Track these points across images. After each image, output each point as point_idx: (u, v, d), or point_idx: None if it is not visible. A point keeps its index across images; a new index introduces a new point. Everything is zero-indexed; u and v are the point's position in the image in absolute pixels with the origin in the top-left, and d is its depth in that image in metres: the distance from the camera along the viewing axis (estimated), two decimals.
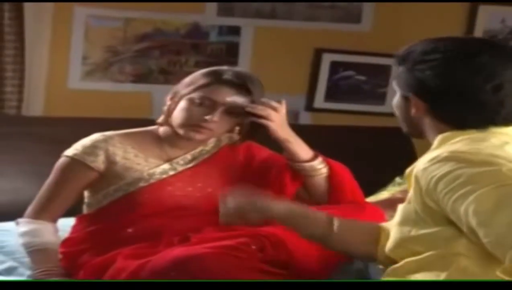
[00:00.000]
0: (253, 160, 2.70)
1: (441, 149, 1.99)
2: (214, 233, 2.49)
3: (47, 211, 2.60)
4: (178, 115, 2.56)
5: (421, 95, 2.05)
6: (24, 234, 2.57)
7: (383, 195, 3.44)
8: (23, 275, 2.60)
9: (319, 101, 4.21)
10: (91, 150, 2.58)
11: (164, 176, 2.60)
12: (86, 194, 2.65)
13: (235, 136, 2.68)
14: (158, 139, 2.65)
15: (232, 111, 2.54)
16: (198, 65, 3.76)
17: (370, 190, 3.29)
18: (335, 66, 4.17)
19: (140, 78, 4.00)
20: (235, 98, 2.53)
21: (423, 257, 1.98)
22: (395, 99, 2.15)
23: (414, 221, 2.01)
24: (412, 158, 2.33)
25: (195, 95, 2.54)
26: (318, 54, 4.14)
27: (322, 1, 4.09)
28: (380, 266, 2.23)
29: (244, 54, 4.06)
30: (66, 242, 2.62)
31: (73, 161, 2.58)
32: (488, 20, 4.21)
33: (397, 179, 3.50)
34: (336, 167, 2.65)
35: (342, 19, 4.13)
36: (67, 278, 2.50)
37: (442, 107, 2.04)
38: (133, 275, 2.34)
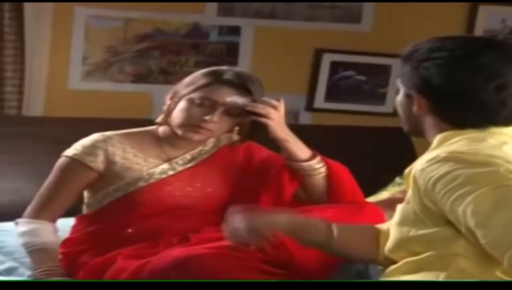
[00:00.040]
0: (252, 160, 2.70)
1: (439, 149, 1.99)
2: (214, 233, 2.49)
3: (47, 211, 2.60)
4: (177, 115, 2.56)
5: (424, 93, 2.05)
6: (23, 234, 2.57)
7: (383, 195, 3.44)
8: (23, 275, 2.60)
9: (319, 101, 4.21)
10: (91, 150, 2.58)
11: (164, 176, 2.60)
12: (85, 194, 2.65)
13: (235, 136, 2.68)
14: (157, 139, 2.65)
15: (232, 111, 2.54)
16: (198, 65, 3.76)
17: (370, 190, 3.29)
18: (335, 66, 4.17)
19: (140, 78, 4.00)
20: (235, 99, 2.53)
21: (422, 258, 1.98)
22: (398, 97, 2.15)
23: (413, 221, 2.01)
24: (412, 157, 2.33)
25: (195, 95, 2.54)
26: (318, 54, 4.13)
27: (322, 1, 4.09)
28: (380, 267, 2.23)
29: (244, 54, 4.06)
30: (66, 242, 2.62)
31: (73, 161, 2.58)
32: (488, 20, 4.21)
33: (397, 179, 3.50)
34: (335, 166, 2.65)
35: (342, 19, 4.12)
36: (67, 278, 2.50)
37: (444, 106, 2.03)
38: (133, 275, 2.35)
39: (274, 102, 2.55)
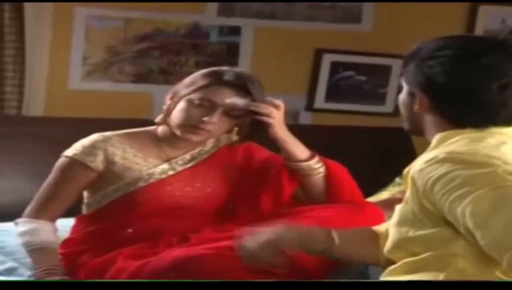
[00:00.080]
0: (252, 160, 2.70)
1: (438, 149, 1.99)
2: (214, 233, 2.49)
3: (46, 211, 2.59)
4: (176, 115, 2.56)
5: (427, 91, 2.04)
6: (23, 233, 2.57)
7: (383, 195, 3.44)
8: (24, 275, 2.60)
9: (320, 101, 4.21)
10: (90, 150, 2.58)
11: (163, 176, 2.60)
12: (85, 194, 2.65)
13: (234, 136, 2.68)
14: (157, 140, 2.65)
15: (231, 113, 2.54)
16: (198, 66, 3.76)
17: (370, 190, 3.29)
18: (335, 67, 4.17)
19: (140, 78, 4.00)
20: (235, 100, 2.53)
21: (421, 258, 1.98)
22: (401, 96, 2.15)
23: (411, 222, 2.01)
24: (412, 158, 2.33)
25: (194, 96, 2.54)
26: (318, 54, 4.13)
27: (322, 1, 4.09)
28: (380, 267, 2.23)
29: (244, 55, 4.06)
30: (65, 243, 2.62)
31: (73, 161, 2.58)
32: (488, 20, 4.21)
33: (397, 179, 3.50)
34: (334, 166, 2.65)
35: (342, 19, 4.12)
36: (68, 277, 2.50)
37: (446, 105, 2.03)
38: (133, 275, 2.35)
39: (276, 101, 2.55)
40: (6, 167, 3.43)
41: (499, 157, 1.91)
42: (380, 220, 2.45)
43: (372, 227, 2.32)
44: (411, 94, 2.10)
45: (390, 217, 2.24)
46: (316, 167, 2.62)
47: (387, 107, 4.23)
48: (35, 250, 2.54)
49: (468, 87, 2.00)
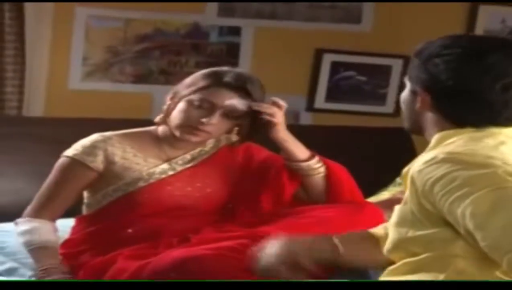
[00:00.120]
0: (252, 161, 2.70)
1: (437, 150, 1.99)
2: (214, 233, 2.49)
3: (47, 210, 2.59)
4: (176, 116, 2.56)
5: (430, 89, 2.04)
6: (23, 233, 2.57)
7: (384, 195, 3.44)
8: (24, 276, 2.59)
9: (320, 101, 4.21)
10: (90, 150, 2.58)
11: (163, 176, 2.60)
12: (85, 194, 2.66)
13: (234, 137, 2.68)
14: (157, 140, 2.65)
15: (231, 114, 2.54)
16: (199, 66, 3.76)
17: (371, 190, 3.29)
18: (335, 67, 4.17)
19: (141, 78, 4.00)
20: (234, 102, 2.53)
21: (420, 258, 1.98)
22: (404, 94, 2.15)
23: (411, 222, 2.01)
24: (412, 158, 2.32)
25: (194, 97, 2.54)
26: (318, 54, 4.13)
27: (322, 1, 4.09)
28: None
29: (244, 55, 4.06)
30: (66, 243, 2.62)
31: (73, 161, 2.58)
32: (488, 20, 4.21)
33: (398, 179, 3.50)
34: (334, 166, 2.65)
35: (342, 19, 4.12)
36: (69, 275, 2.49)
37: (447, 104, 2.03)
38: (133, 275, 2.35)
39: (280, 101, 2.55)
40: (7, 167, 3.43)
41: (499, 158, 1.90)
42: (380, 220, 2.44)
43: (370, 230, 2.31)
44: (413, 92, 2.09)
45: (390, 217, 2.24)
46: (316, 167, 2.62)
47: (388, 108, 4.22)
48: (36, 249, 2.54)
49: (472, 87, 1.99)
